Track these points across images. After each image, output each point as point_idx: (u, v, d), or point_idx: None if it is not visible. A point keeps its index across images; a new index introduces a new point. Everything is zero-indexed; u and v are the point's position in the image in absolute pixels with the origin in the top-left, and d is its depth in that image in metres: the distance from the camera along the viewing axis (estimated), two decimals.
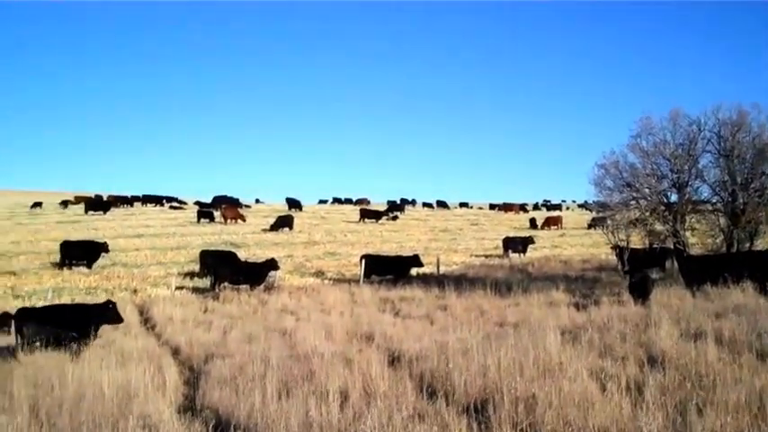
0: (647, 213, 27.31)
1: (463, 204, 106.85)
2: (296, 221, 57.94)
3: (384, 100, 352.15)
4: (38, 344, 16.49)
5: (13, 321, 21.00)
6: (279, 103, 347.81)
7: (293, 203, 78.77)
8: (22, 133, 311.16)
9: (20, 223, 59.96)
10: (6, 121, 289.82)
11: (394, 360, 12.89)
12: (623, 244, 28.55)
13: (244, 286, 28.61)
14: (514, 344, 12.32)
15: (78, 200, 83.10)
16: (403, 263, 32.96)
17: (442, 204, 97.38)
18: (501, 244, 43.91)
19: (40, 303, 24.86)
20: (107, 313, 17.34)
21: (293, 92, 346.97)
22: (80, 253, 36.88)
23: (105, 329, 17.60)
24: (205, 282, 31.35)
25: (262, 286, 28.84)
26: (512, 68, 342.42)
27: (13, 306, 25.36)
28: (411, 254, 34.73)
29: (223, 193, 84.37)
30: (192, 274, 34.13)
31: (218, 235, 51.21)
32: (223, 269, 29.93)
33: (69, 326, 16.56)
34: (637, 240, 29.20)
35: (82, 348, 15.71)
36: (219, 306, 24.88)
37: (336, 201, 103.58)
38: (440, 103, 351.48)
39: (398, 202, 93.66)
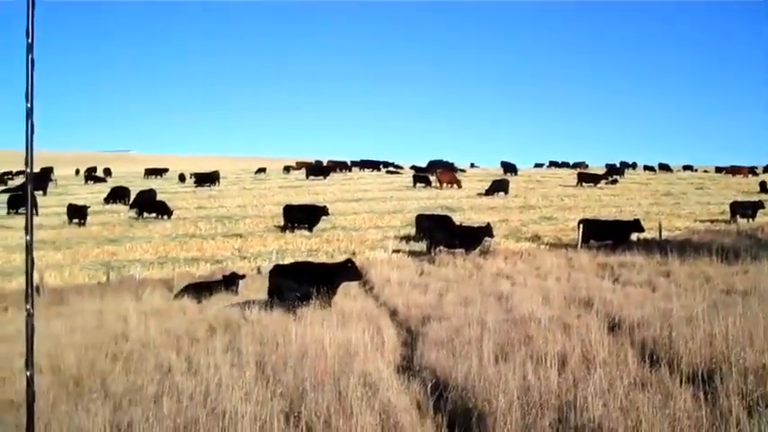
0: None
1: (687, 167, 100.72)
2: (511, 186, 57.40)
3: (602, 63, 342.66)
4: (264, 304, 17.45)
5: (238, 281, 22.54)
6: (494, 69, 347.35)
7: (508, 167, 77.93)
8: (251, 105, 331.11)
9: (245, 188, 63.64)
10: (238, 95, 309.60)
11: (614, 327, 12.54)
12: None
13: (459, 250, 28.70)
14: (743, 313, 11.66)
15: (299, 165, 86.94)
16: (622, 227, 31.75)
17: (664, 167, 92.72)
18: (728, 209, 41.65)
19: (265, 265, 26.30)
20: (348, 271, 18.07)
21: (506, 58, 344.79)
22: (302, 216, 38.60)
23: None
24: (421, 245, 31.81)
25: (477, 250, 28.81)
26: (740, 21, 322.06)
27: (239, 267, 27.09)
28: (631, 218, 33.51)
29: (438, 158, 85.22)
30: (408, 238, 34.79)
31: (433, 199, 51.80)
32: (439, 233, 30.20)
33: (317, 282, 17.31)
34: None
35: (305, 308, 16.32)
36: (435, 269, 25.07)
37: (553, 164, 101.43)
38: (661, 63, 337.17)
39: (618, 165, 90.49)
